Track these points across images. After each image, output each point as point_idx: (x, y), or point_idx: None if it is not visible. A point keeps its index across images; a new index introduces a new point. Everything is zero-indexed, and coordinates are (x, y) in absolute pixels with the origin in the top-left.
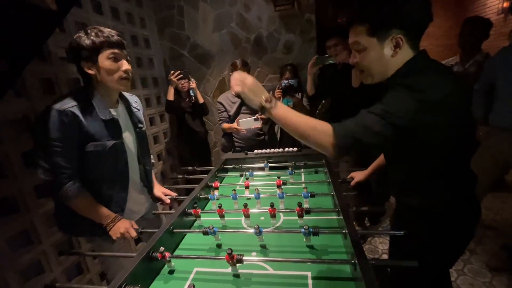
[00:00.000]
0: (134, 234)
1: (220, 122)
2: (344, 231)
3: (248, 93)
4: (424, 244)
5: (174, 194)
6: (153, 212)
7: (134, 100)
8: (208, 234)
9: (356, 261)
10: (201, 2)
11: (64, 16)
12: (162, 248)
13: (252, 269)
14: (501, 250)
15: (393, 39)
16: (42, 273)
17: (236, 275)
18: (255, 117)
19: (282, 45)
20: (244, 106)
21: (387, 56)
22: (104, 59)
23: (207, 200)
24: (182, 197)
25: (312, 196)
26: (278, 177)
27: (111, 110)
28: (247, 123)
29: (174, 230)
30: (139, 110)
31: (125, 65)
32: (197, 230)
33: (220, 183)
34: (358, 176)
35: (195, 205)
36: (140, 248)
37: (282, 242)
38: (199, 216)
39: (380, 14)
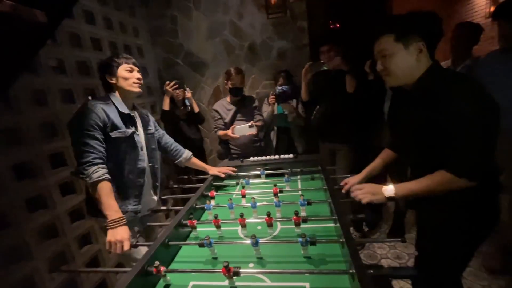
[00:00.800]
0: (127, 247)
1: (215, 129)
2: (341, 239)
3: (375, 198)
4: (450, 235)
5: (232, 169)
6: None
7: (145, 112)
8: (204, 246)
9: (354, 271)
10: (194, 10)
11: (56, 29)
12: (157, 262)
13: (250, 281)
14: (498, 253)
15: (416, 45)
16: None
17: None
18: (249, 124)
19: (275, 52)
20: (240, 113)
21: (411, 60)
22: (122, 70)
23: (203, 210)
24: (178, 207)
25: (309, 203)
26: (275, 185)
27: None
28: (242, 130)
29: (170, 243)
30: (149, 120)
31: (137, 74)
32: (193, 242)
33: (216, 192)
34: (351, 181)
35: (191, 216)
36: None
37: (279, 253)
38: (195, 227)
39: (406, 23)
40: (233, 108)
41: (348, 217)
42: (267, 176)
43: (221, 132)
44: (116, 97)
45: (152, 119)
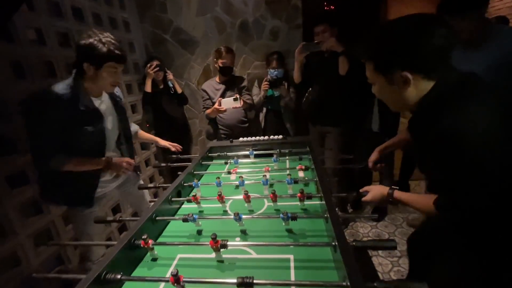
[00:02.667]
0: (132, 164)
1: (204, 109)
2: (325, 215)
3: (381, 199)
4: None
5: (177, 145)
6: (138, 186)
7: (116, 90)
8: (187, 221)
9: (336, 243)
10: None
11: None
12: (145, 235)
13: (236, 254)
14: None
15: (399, 77)
16: (19, 265)
17: (220, 261)
18: (234, 97)
19: (268, 32)
20: (229, 92)
21: (397, 92)
22: (106, 69)
23: (191, 188)
24: (165, 185)
25: (296, 182)
26: (267, 165)
27: (94, 99)
28: (228, 103)
29: (157, 218)
30: (121, 99)
31: (118, 78)
32: (178, 218)
33: (205, 170)
34: (371, 158)
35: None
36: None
37: (264, 228)
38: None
39: (382, 54)
40: (222, 87)
41: (333, 195)
42: (256, 156)
43: (208, 111)
44: (82, 92)
45: (122, 97)
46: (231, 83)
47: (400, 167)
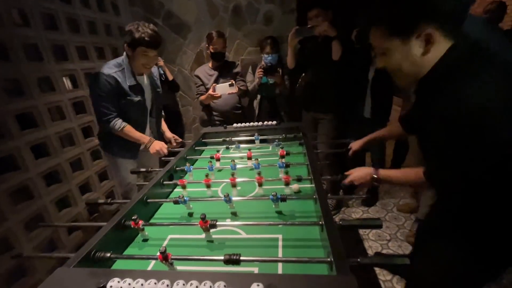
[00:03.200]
0: (166, 151)
1: (197, 96)
2: (315, 196)
3: (364, 180)
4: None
5: (180, 139)
6: (130, 170)
7: (154, 70)
8: (178, 203)
9: (323, 222)
10: None
11: None
12: (135, 215)
13: (225, 234)
14: None
15: (421, 36)
16: (10, 249)
17: (210, 241)
18: (229, 82)
19: (262, 16)
20: (221, 78)
21: (416, 55)
22: (139, 52)
23: (183, 172)
24: (157, 169)
25: (287, 166)
26: (249, 150)
27: (138, 77)
28: (222, 88)
29: (148, 200)
30: (157, 78)
31: (150, 61)
32: (170, 200)
33: (199, 155)
34: (354, 146)
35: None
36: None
37: (254, 209)
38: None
39: (402, 10)
40: (215, 73)
41: (324, 178)
42: (251, 142)
43: (202, 97)
44: (128, 66)
45: (158, 77)
46: (224, 69)
47: (393, 154)
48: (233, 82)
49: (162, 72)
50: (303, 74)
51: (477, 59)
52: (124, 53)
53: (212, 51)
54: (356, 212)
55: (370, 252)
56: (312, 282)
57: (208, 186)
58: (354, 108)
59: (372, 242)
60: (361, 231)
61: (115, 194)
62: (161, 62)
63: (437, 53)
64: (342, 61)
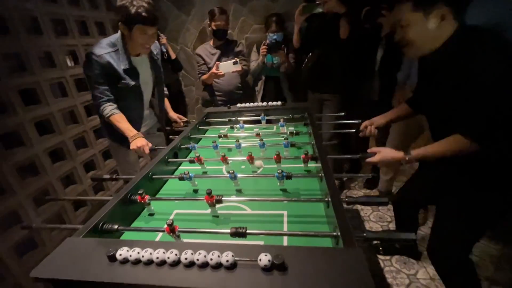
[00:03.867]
0: (147, 151)
1: (199, 75)
2: (320, 174)
3: (387, 163)
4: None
5: (185, 119)
6: (157, 129)
7: (154, 48)
8: (184, 180)
9: (329, 199)
10: None
11: None
12: (141, 190)
13: (231, 210)
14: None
15: (438, 12)
16: (21, 223)
17: (215, 216)
18: (234, 60)
19: None
20: (224, 57)
21: (431, 29)
22: (137, 31)
23: (188, 150)
24: (162, 147)
25: (292, 145)
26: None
27: (134, 59)
28: (226, 67)
29: (154, 176)
30: (157, 58)
31: (149, 41)
32: (175, 176)
33: (203, 134)
34: (377, 121)
35: (197, 154)
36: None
37: (259, 187)
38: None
39: None
40: (217, 52)
41: (329, 157)
42: (256, 122)
43: (204, 76)
44: (122, 47)
45: (159, 57)
46: (227, 48)
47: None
48: (237, 60)
49: (164, 50)
50: (310, 54)
51: (478, 38)
52: (119, 32)
53: (214, 28)
54: (358, 195)
55: None
56: (320, 253)
57: (226, 164)
58: (361, 89)
59: (373, 223)
60: (362, 213)
61: (119, 172)
62: (164, 40)
63: (446, 32)
64: (350, 40)
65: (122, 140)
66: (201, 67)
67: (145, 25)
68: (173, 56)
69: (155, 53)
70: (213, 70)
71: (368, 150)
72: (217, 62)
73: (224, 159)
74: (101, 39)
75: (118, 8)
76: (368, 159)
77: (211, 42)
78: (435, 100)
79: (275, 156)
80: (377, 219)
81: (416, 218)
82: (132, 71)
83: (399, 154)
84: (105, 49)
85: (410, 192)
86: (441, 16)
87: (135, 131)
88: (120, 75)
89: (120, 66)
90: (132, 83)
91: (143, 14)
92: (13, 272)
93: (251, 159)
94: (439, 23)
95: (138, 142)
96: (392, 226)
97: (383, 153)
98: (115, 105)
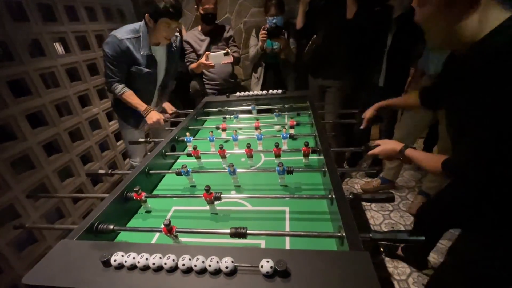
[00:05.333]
0: (163, 123)
1: (188, 63)
2: (323, 169)
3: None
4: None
5: (174, 109)
6: (128, 141)
7: (173, 40)
8: (181, 175)
9: (334, 196)
10: None
11: None
12: (137, 187)
13: (230, 206)
14: None
15: None
16: (18, 217)
17: (214, 213)
18: (224, 51)
19: None
20: (214, 44)
21: (454, 19)
22: (161, 24)
23: (184, 142)
24: (158, 140)
25: (291, 137)
26: (257, 119)
27: (153, 47)
28: (217, 58)
29: (150, 172)
30: (175, 49)
31: (171, 34)
32: (172, 171)
33: (201, 125)
34: (367, 113)
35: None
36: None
37: (259, 181)
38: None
39: None
40: (206, 39)
41: (332, 150)
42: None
43: (193, 65)
44: (145, 35)
45: (178, 48)
46: (216, 34)
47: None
48: (228, 50)
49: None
50: (314, 36)
51: None
52: (143, 21)
53: (202, 12)
54: (360, 184)
55: (372, 222)
56: (325, 258)
57: (224, 158)
58: (366, 76)
59: (374, 213)
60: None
61: (117, 164)
62: (184, 30)
63: (482, 23)
64: (356, 20)
65: (127, 118)
66: (190, 55)
67: (170, 19)
68: None
69: (173, 45)
70: (203, 60)
71: (373, 143)
72: (206, 52)
73: (222, 153)
74: (126, 25)
75: (148, 1)
76: (372, 151)
77: (199, 28)
78: (452, 105)
79: (275, 149)
80: (379, 208)
81: (438, 237)
82: (150, 58)
83: (398, 146)
84: (127, 34)
85: (431, 213)
86: (469, 1)
87: (145, 105)
88: (136, 61)
89: (140, 52)
90: (146, 70)
91: (171, 9)
92: (13, 266)
93: (249, 153)
94: (468, 11)
95: (153, 116)
96: (394, 214)
97: (384, 145)
98: (124, 85)
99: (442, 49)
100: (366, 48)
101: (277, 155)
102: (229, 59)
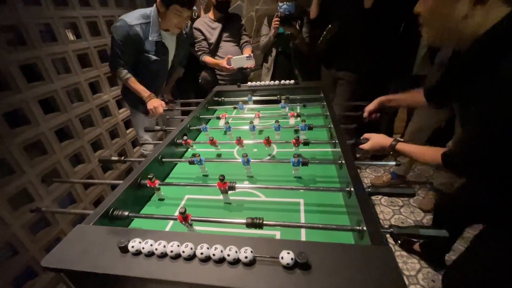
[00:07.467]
0: (161, 111)
1: (200, 53)
2: (340, 161)
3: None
4: None
5: (171, 98)
6: (144, 128)
7: (184, 27)
8: (194, 164)
9: (352, 189)
10: None
11: None
12: (151, 174)
13: (244, 196)
14: None
15: None
16: (32, 201)
17: (228, 203)
18: (247, 55)
19: None
20: (225, 32)
21: (457, 14)
22: (172, 11)
23: (198, 131)
24: (171, 128)
25: (310, 128)
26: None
27: (163, 33)
28: (239, 61)
29: (163, 160)
30: (185, 36)
31: (182, 22)
32: (185, 160)
33: (212, 115)
34: (368, 107)
35: (185, 137)
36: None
37: (273, 172)
38: (191, 146)
39: None
40: (218, 26)
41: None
42: (265, 102)
43: (208, 59)
44: (155, 21)
45: (188, 37)
46: (228, 21)
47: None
48: (251, 55)
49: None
50: (329, 26)
51: None
52: (154, 6)
53: None
54: (369, 178)
55: (382, 217)
56: (345, 251)
57: (242, 147)
58: (383, 70)
59: (384, 207)
60: (373, 196)
61: (127, 152)
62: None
63: (485, 20)
64: (375, 10)
65: (136, 104)
66: (201, 44)
67: (182, 6)
68: None
69: (183, 32)
70: (224, 64)
71: (362, 137)
72: (228, 56)
73: (239, 142)
74: (137, 9)
75: None
76: (361, 146)
77: (210, 15)
78: (458, 100)
79: (294, 140)
80: (388, 203)
81: (459, 234)
82: (160, 44)
83: (387, 141)
84: (138, 19)
85: (452, 209)
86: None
87: (149, 92)
88: (145, 48)
89: (148, 38)
90: (154, 57)
91: None
92: (28, 248)
93: (267, 143)
94: (471, 7)
95: (154, 102)
96: (404, 210)
97: (373, 140)
98: (127, 71)
99: (437, 45)
100: (383, 40)
101: (297, 145)
102: (251, 63)
